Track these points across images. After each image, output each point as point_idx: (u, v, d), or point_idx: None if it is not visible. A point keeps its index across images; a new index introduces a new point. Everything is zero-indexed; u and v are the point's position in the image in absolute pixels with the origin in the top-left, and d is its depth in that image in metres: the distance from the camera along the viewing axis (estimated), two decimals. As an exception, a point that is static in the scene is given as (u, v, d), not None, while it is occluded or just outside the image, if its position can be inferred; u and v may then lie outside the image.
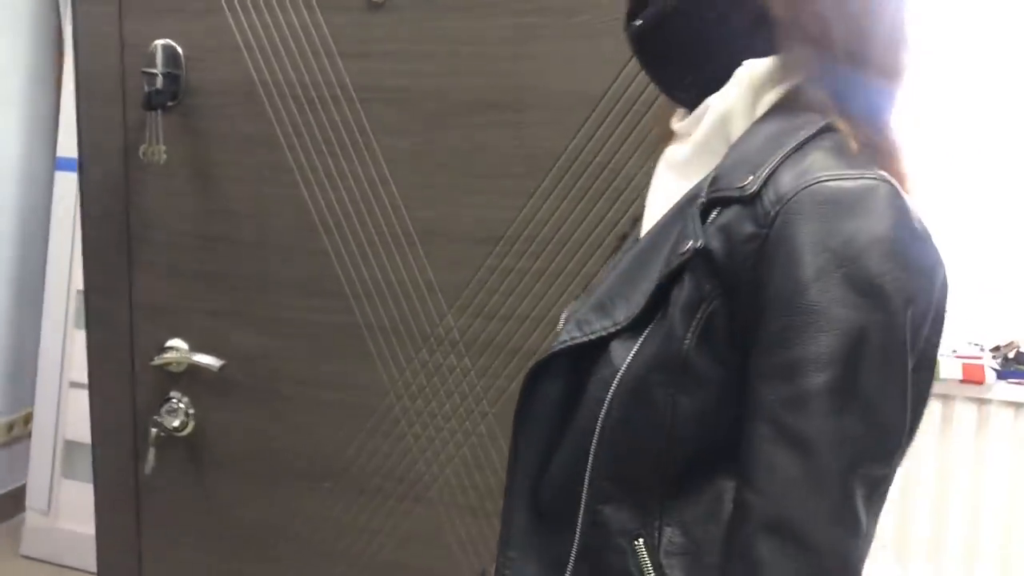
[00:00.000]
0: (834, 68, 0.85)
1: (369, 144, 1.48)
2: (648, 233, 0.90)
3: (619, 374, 0.83)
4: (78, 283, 2.70)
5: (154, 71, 1.49)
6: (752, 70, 0.87)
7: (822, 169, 0.78)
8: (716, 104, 0.87)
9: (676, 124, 0.94)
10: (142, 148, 1.54)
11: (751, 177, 0.80)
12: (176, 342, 1.60)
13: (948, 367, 2.35)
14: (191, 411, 1.61)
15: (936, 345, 0.83)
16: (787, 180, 0.78)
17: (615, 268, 0.93)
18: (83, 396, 2.67)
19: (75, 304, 2.74)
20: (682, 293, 0.81)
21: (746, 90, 0.87)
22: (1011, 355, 2.43)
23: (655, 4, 0.90)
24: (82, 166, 1.62)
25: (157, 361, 1.57)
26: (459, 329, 1.48)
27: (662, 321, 0.82)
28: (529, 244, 1.43)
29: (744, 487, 0.78)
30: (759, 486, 0.76)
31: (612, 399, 0.83)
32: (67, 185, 2.75)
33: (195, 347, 1.59)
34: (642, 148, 1.36)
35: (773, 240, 0.77)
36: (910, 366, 0.77)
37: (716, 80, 0.88)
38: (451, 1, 1.41)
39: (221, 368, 1.55)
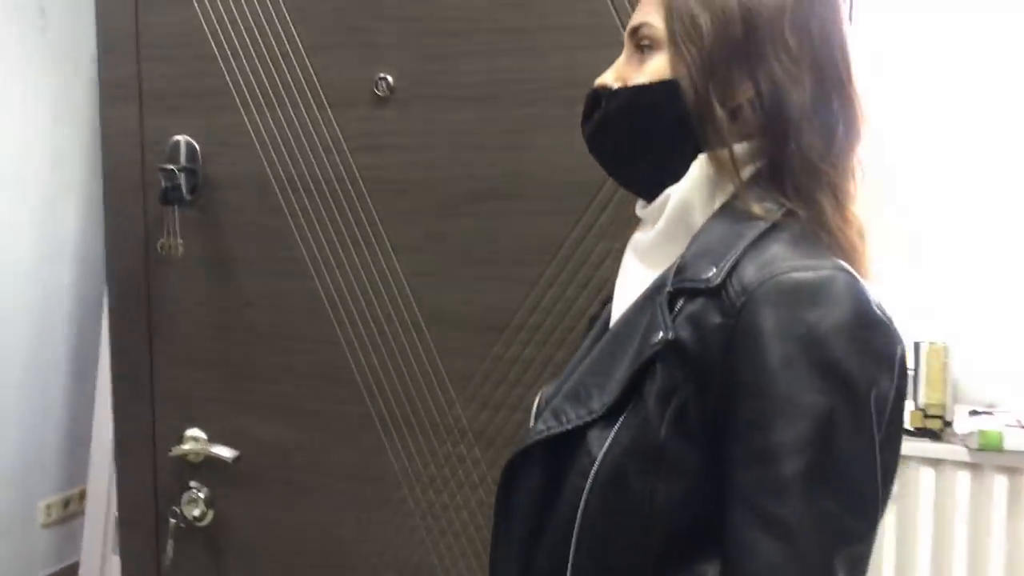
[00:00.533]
0: (792, 157, 0.88)
1: (378, 234, 1.48)
2: (618, 322, 0.93)
3: (597, 463, 0.85)
4: (129, 362, 2.76)
5: (171, 167, 1.53)
6: (708, 162, 0.89)
7: (782, 261, 0.82)
8: (676, 195, 0.90)
9: (639, 211, 0.97)
10: (160, 242, 1.57)
11: (715, 269, 0.83)
12: (195, 431, 1.61)
13: (1012, 438, 2.23)
14: (210, 501, 1.61)
15: (900, 425, 0.87)
16: (750, 272, 0.82)
17: (587, 355, 0.96)
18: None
19: (127, 382, 2.80)
20: (655, 383, 0.83)
21: (704, 181, 0.90)
22: (1079, 424, 2.30)
23: (601, 106, 0.94)
24: (108, 259, 1.66)
25: (175, 452, 1.58)
26: (468, 419, 1.46)
27: (637, 410, 0.85)
28: (535, 332, 1.41)
29: (727, 572, 0.80)
30: (743, 571, 0.79)
31: (591, 488, 0.85)
32: (121, 266, 2.83)
33: (212, 437, 1.60)
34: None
35: (740, 330, 0.80)
36: (878, 443, 0.81)
37: (673, 170, 0.90)
38: (454, 93, 1.42)
39: (235, 459, 1.56)
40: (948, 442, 2.28)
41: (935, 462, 2.28)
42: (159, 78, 1.57)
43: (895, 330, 0.84)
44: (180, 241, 1.56)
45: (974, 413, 2.33)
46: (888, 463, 0.85)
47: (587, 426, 0.87)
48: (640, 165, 0.95)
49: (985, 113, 2.35)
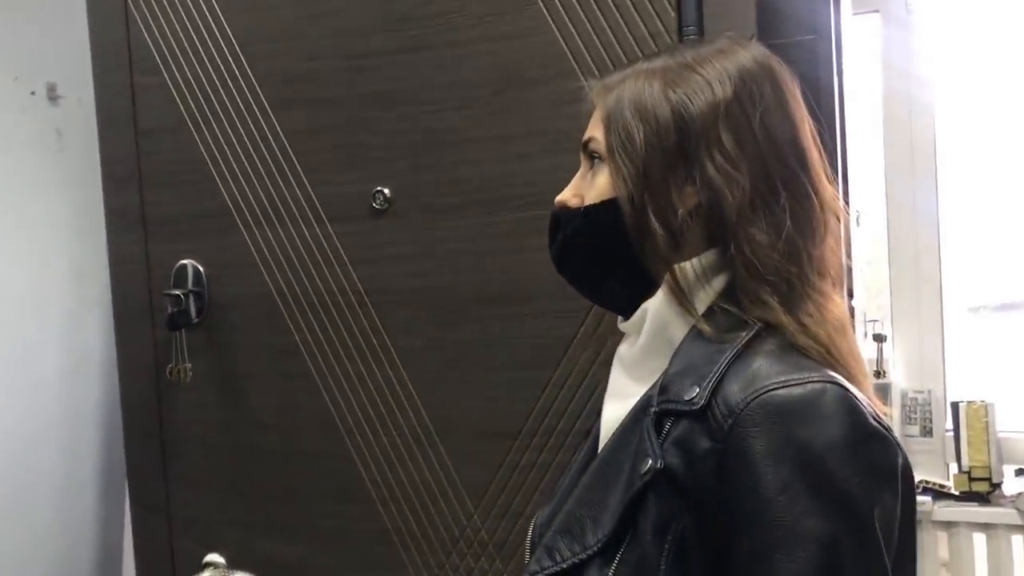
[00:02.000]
0: (737, 261, 0.84)
1: (384, 345, 1.47)
2: (606, 446, 0.90)
3: None
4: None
5: (177, 292, 1.54)
6: (681, 274, 0.86)
7: (767, 377, 0.78)
8: (651, 310, 0.88)
9: (620, 325, 0.94)
10: (169, 367, 1.57)
11: (697, 389, 0.80)
12: (213, 557, 1.59)
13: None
14: (234, 626, 1.58)
15: (913, 533, 0.82)
16: (735, 391, 0.78)
17: (578, 479, 0.92)
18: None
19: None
20: (649, 515, 0.80)
21: (681, 292, 0.86)
22: None
23: (560, 228, 0.93)
24: (121, 384, 1.67)
25: (193, 580, 1.56)
26: (487, 531, 1.43)
27: (634, 544, 0.81)
28: (549, 436, 1.39)
29: None
30: None
31: None
32: (147, 375, 2.84)
33: (231, 561, 1.57)
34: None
35: (731, 455, 0.76)
36: (889, 565, 0.77)
37: (645, 285, 0.88)
38: (449, 203, 1.42)
39: (255, 584, 1.53)
40: (997, 505, 2.20)
41: (985, 527, 2.20)
42: (162, 204, 1.59)
43: (894, 440, 0.80)
44: (189, 365, 1.56)
45: (1020, 472, 2.25)
46: None
47: (583, 564, 0.83)
48: (608, 283, 0.92)
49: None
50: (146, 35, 1.57)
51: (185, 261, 1.57)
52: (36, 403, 2.74)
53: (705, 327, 0.84)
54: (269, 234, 1.52)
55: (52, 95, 2.80)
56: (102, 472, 2.93)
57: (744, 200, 0.83)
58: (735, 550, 0.76)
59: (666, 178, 0.85)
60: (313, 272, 1.50)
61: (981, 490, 2.22)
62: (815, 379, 0.78)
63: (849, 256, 1.29)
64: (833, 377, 0.79)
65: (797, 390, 0.77)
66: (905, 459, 0.80)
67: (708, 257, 0.85)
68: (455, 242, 1.42)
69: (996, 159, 2.33)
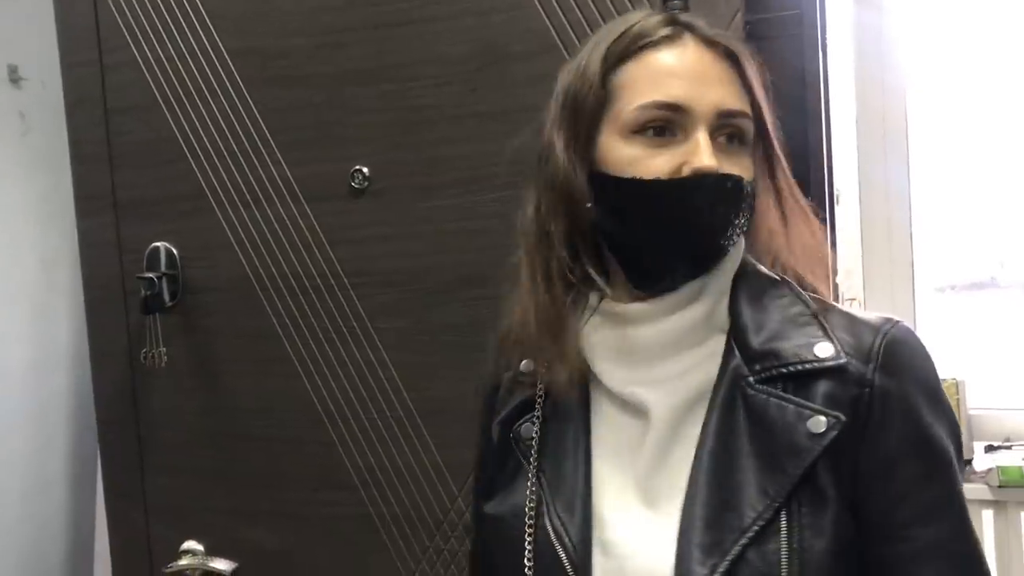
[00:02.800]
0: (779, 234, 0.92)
1: (364, 328, 1.45)
2: (707, 434, 0.86)
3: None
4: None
5: (150, 275, 1.50)
6: (737, 250, 0.91)
7: (864, 321, 0.87)
8: (718, 283, 0.90)
9: (632, 306, 0.90)
10: (143, 352, 1.54)
11: (829, 346, 0.84)
12: (191, 544, 1.56)
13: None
14: (213, 614, 1.56)
15: None
16: (862, 339, 0.85)
17: (585, 470, 0.90)
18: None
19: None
20: (825, 469, 0.82)
21: (732, 267, 0.91)
22: None
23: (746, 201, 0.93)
24: (93, 371, 1.63)
25: (171, 569, 1.53)
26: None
27: (816, 504, 0.82)
28: (534, 419, 1.37)
29: None
30: None
31: None
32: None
33: (210, 548, 1.55)
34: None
35: (881, 396, 0.83)
36: None
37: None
38: (432, 182, 1.39)
39: (234, 572, 1.51)
40: (969, 481, 2.22)
41: (958, 503, 2.22)
42: (133, 186, 1.55)
43: None
44: (163, 350, 1.53)
45: (991, 448, 2.28)
46: None
47: (744, 550, 0.81)
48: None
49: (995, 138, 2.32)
50: (114, 10, 1.52)
51: (158, 244, 1.54)
52: (3, 394, 2.68)
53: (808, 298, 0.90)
54: (245, 215, 1.49)
55: (14, 77, 2.73)
56: (72, 463, 2.87)
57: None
58: (896, 479, 0.83)
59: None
60: (291, 254, 1.47)
61: (953, 467, 2.24)
62: (894, 318, 0.87)
63: (833, 234, 1.29)
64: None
65: (900, 329, 0.86)
66: None
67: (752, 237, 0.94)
68: (439, 222, 1.39)
69: (966, 141, 2.35)
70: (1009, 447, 2.28)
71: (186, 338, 1.54)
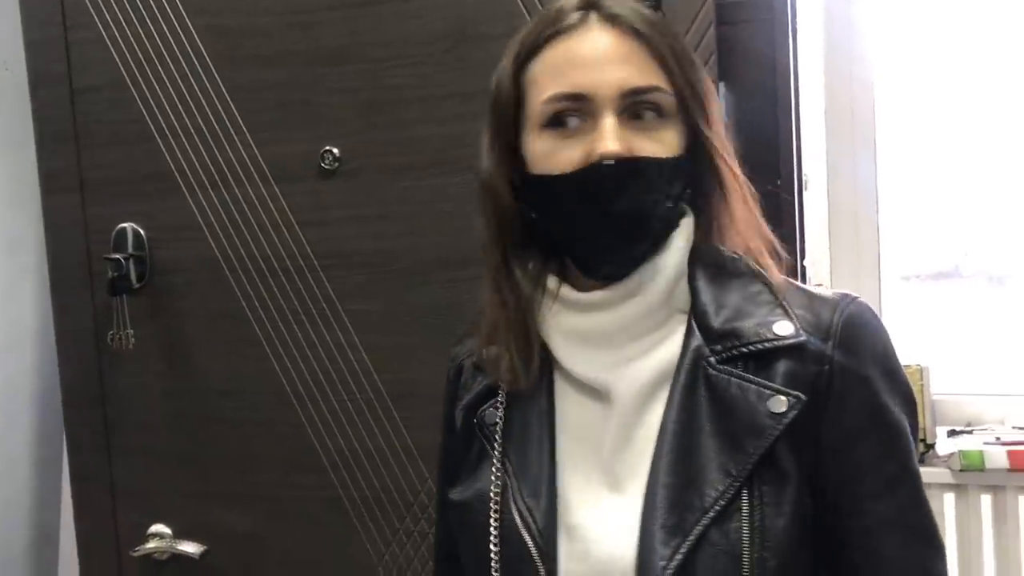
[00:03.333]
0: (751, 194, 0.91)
1: (335, 310, 1.44)
2: (669, 416, 0.86)
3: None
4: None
5: (116, 256, 1.49)
6: (687, 229, 0.90)
7: (822, 297, 0.88)
8: (668, 265, 0.88)
9: (585, 295, 0.90)
10: (110, 334, 1.52)
11: (784, 324, 0.85)
12: (159, 527, 1.55)
13: (993, 456, 2.20)
14: (182, 598, 1.55)
15: None
16: (821, 316, 0.86)
17: (546, 455, 0.90)
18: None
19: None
20: (786, 446, 0.83)
21: (686, 246, 0.90)
22: (1061, 436, 2.28)
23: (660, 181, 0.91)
24: (59, 353, 1.61)
25: (139, 552, 1.52)
26: (442, 495, 1.41)
27: (778, 479, 0.83)
28: (505, 401, 1.37)
29: None
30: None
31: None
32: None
33: (178, 532, 1.54)
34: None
35: (840, 373, 0.84)
36: None
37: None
38: (404, 163, 1.39)
39: (203, 555, 1.50)
40: (932, 465, 2.25)
41: (921, 486, 2.26)
42: (100, 166, 1.53)
43: None
44: (131, 331, 1.51)
45: (953, 433, 2.31)
46: None
47: (706, 529, 0.82)
48: (651, 242, 0.90)
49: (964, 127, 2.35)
50: (79, -13, 1.50)
51: (125, 225, 1.52)
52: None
53: (773, 271, 0.90)
54: (213, 196, 1.48)
55: (-25, 57, 2.68)
56: (37, 446, 2.83)
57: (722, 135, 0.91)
58: (857, 454, 0.84)
59: (718, 133, 0.90)
60: (260, 235, 1.46)
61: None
62: (851, 295, 0.88)
63: (802, 221, 1.30)
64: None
65: (857, 305, 0.87)
66: None
67: (702, 215, 0.92)
68: (411, 204, 1.39)
69: (932, 132, 2.38)
70: (971, 432, 2.31)
71: (154, 320, 1.53)
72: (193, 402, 1.52)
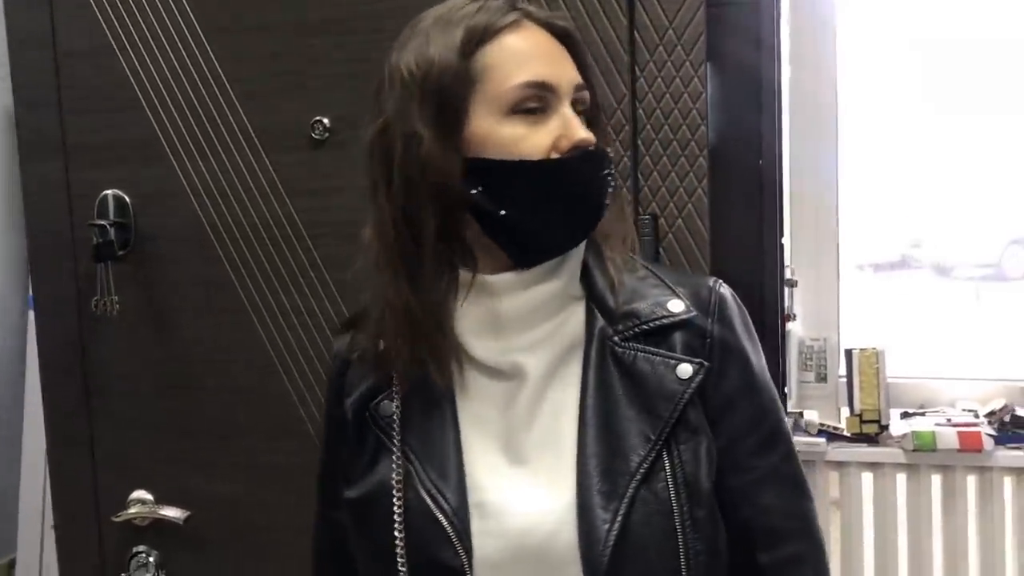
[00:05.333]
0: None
1: (323, 279, 1.46)
2: (587, 392, 0.93)
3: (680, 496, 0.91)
4: (56, 422, 2.65)
5: (102, 223, 1.48)
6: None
7: (700, 281, 1.00)
8: (576, 255, 0.96)
9: (499, 276, 0.93)
10: (94, 300, 1.51)
11: (677, 302, 0.96)
12: (140, 493, 1.55)
13: (944, 437, 2.29)
14: (161, 564, 1.55)
15: None
16: (700, 294, 0.96)
17: (449, 436, 0.94)
18: (65, 538, 2.60)
19: (54, 442, 2.69)
20: (694, 408, 0.93)
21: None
22: (1007, 419, 2.37)
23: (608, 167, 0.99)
24: (38, 319, 1.60)
25: (121, 517, 1.52)
26: (426, 462, 1.44)
27: (670, 451, 0.91)
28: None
29: (794, 546, 0.97)
30: (813, 539, 0.99)
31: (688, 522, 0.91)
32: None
33: (160, 498, 1.54)
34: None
35: (720, 344, 0.95)
36: None
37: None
38: (393, 133, 1.40)
39: (187, 519, 1.51)
40: (885, 445, 2.33)
41: (873, 466, 2.33)
42: (83, 131, 1.52)
43: None
44: (115, 297, 1.51)
45: (906, 415, 2.39)
46: None
47: (636, 491, 0.90)
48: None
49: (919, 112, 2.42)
50: (66, -52, 1.49)
51: (109, 191, 1.51)
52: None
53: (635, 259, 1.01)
54: (201, 164, 1.48)
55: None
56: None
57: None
58: (738, 416, 0.95)
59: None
60: (248, 203, 1.47)
61: (871, 432, 2.35)
62: (711, 276, 1.01)
63: (782, 198, 1.35)
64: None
65: (724, 285, 0.99)
66: None
67: None
68: (399, 175, 1.41)
69: (887, 127, 2.46)
70: (923, 414, 2.40)
71: (137, 287, 1.53)
72: (176, 369, 1.53)
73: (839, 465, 2.33)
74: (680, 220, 1.26)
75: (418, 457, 0.93)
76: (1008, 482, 2.29)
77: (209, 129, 1.47)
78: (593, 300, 0.95)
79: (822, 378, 2.43)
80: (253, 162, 1.46)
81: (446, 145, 0.89)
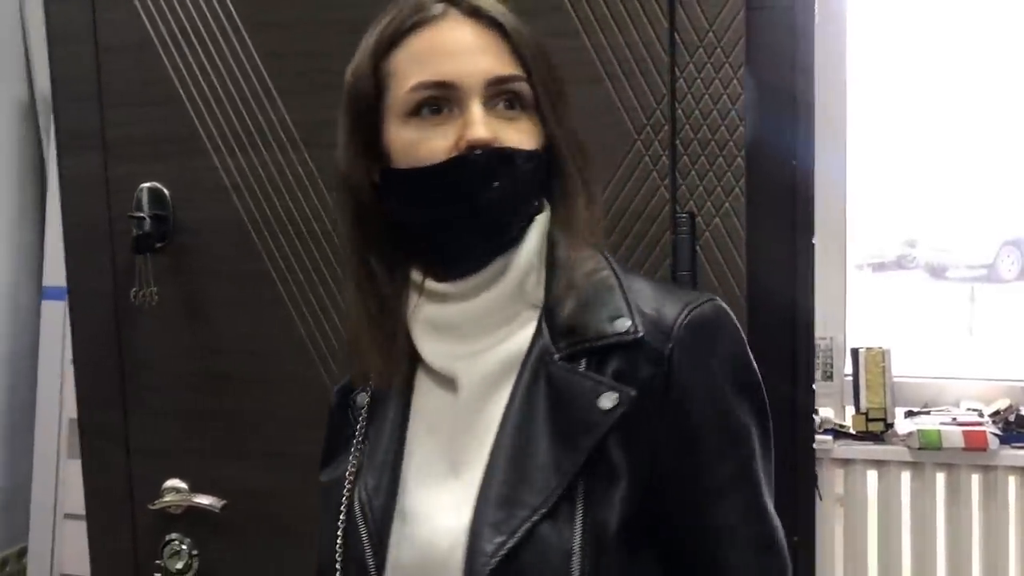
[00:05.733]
0: (595, 196, 0.94)
1: (360, 273, 1.48)
2: (511, 409, 0.88)
3: (577, 552, 0.82)
4: (69, 412, 2.66)
5: (141, 215, 1.50)
6: (542, 224, 0.91)
7: (672, 296, 0.88)
8: (521, 259, 0.89)
9: (442, 285, 0.92)
10: (133, 291, 1.53)
11: (623, 321, 0.85)
12: (174, 482, 1.57)
13: (949, 435, 2.34)
14: (193, 552, 1.57)
15: None
16: (665, 315, 0.85)
17: (399, 444, 0.93)
18: (78, 528, 2.61)
19: (67, 433, 2.70)
20: (616, 444, 0.83)
21: (540, 241, 0.91)
22: (1011, 418, 2.41)
23: (517, 169, 0.91)
24: (73, 311, 1.62)
25: (156, 505, 1.54)
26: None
27: (609, 476, 0.83)
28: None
29: None
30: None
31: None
32: (54, 314, 2.73)
33: (194, 487, 1.57)
34: (630, 265, 1.36)
35: (677, 373, 0.84)
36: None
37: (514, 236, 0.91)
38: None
39: (223, 508, 1.53)
40: (890, 443, 2.37)
41: (879, 463, 2.37)
42: (122, 125, 1.54)
43: None
44: (154, 289, 1.53)
45: (910, 414, 2.43)
46: None
47: (535, 526, 0.82)
48: (510, 234, 0.91)
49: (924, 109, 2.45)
50: (108, -55, 1.51)
51: (148, 184, 1.53)
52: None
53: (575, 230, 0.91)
54: (240, 158, 1.50)
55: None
56: (8, 410, 2.80)
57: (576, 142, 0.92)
58: (694, 455, 0.84)
59: (568, 127, 0.92)
60: (286, 197, 1.49)
61: (876, 430, 2.39)
62: (708, 296, 0.89)
63: (812, 197, 1.38)
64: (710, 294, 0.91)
65: (709, 307, 0.87)
66: None
67: (556, 208, 0.93)
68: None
69: (893, 128, 2.50)
70: (928, 412, 2.44)
71: (175, 279, 1.55)
72: (214, 360, 1.55)
73: (844, 462, 2.37)
74: (717, 219, 1.29)
75: (368, 454, 0.95)
76: (1012, 481, 2.34)
77: (249, 123, 1.49)
78: (545, 309, 0.89)
79: (828, 376, 2.47)
80: (292, 157, 1.48)
81: (358, 159, 0.90)
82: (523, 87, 0.88)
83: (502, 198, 0.87)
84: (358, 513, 0.92)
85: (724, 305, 0.89)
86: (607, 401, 0.83)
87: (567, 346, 0.86)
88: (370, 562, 0.89)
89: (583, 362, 0.85)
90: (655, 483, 0.84)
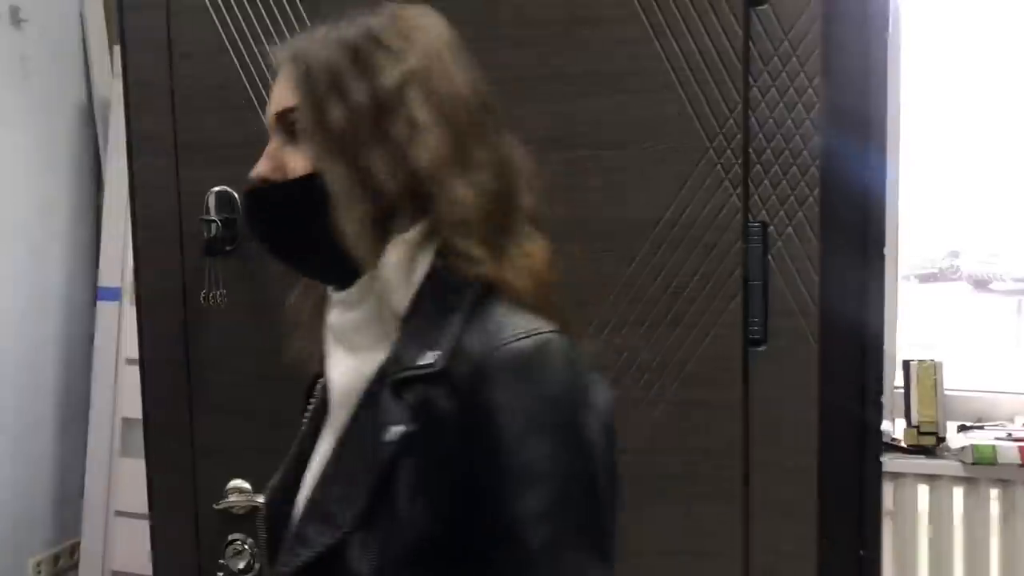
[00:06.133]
0: (473, 221, 0.88)
1: (426, 278, 1.49)
2: (347, 424, 0.91)
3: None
4: (122, 411, 2.70)
5: (211, 218, 1.52)
6: (404, 242, 0.88)
7: (499, 332, 0.83)
8: (380, 280, 0.89)
9: (335, 295, 0.95)
10: (203, 293, 1.56)
11: (432, 354, 0.83)
12: (238, 483, 1.59)
13: (1005, 451, 2.30)
14: (255, 552, 1.59)
15: (614, 461, 0.88)
16: (474, 350, 0.83)
17: (315, 458, 0.96)
18: (129, 526, 2.66)
19: (120, 432, 2.74)
20: (401, 483, 0.83)
21: (403, 260, 0.88)
22: (1067, 431, 2.37)
23: (270, 204, 0.97)
24: (141, 311, 1.64)
25: (221, 505, 1.56)
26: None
27: (389, 516, 0.83)
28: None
29: None
30: None
31: None
32: (108, 314, 2.78)
33: (258, 488, 1.58)
34: (701, 274, 1.37)
35: (474, 411, 0.81)
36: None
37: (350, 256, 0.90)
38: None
39: (287, 509, 1.54)
40: (942, 458, 2.34)
41: (930, 478, 2.34)
42: (195, 129, 1.57)
43: (597, 377, 0.88)
44: (223, 291, 1.55)
45: (963, 428, 2.40)
46: (615, 496, 0.88)
47: (341, 545, 0.84)
48: (315, 257, 0.95)
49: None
50: (183, -45, 1.54)
51: (219, 188, 1.56)
52: (-2, 334, 2.65)
53: (459, 250, 0.87)
54: (310, 163, 1.52)
55: (15, 19, 2.68)
56: (62, 408, 2.86)
57: (444, 163, 0.88)
58: (484, 496, 0.81)
59: (368, 151, 0.88)
60: (355, 203, 1.51)
61: (928, 444, 2.35)
62: (542, 330, 0.84)
63: (884, 207, 1.37)
64: (555, 327, 0.86)
65: (526, 343, 0.83)
66: (607, 392, 0.89)
67: (424, 224, 0.88)
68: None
69: (934, 137, 2.48)
70: (982, 427, 2.41)
71: (242, 282, 1.57)
72: (276, 361, 1.55)
73: (894, 476, 2.34)
74: (791, 228, 1.29)
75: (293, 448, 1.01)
76: (1071, 496, 2.30)
77: (318, 130, 1.51)
78: (397, 337, 0.88)
79: (879, 389, 2.44)
80: (361, 162, 1.49)
81: None
82: (295, 117, 0.91)
83: (268, 231, 0.97)
84: (263, 514, 0.99)
85: (556, 339, 0.85)
86: (390, 435, 0.83)
87: (392, 374, 0.86)
88: (266, 563, 0.95)
89: (395, 391, 0.84)
90: (454, 518, 0.83)
